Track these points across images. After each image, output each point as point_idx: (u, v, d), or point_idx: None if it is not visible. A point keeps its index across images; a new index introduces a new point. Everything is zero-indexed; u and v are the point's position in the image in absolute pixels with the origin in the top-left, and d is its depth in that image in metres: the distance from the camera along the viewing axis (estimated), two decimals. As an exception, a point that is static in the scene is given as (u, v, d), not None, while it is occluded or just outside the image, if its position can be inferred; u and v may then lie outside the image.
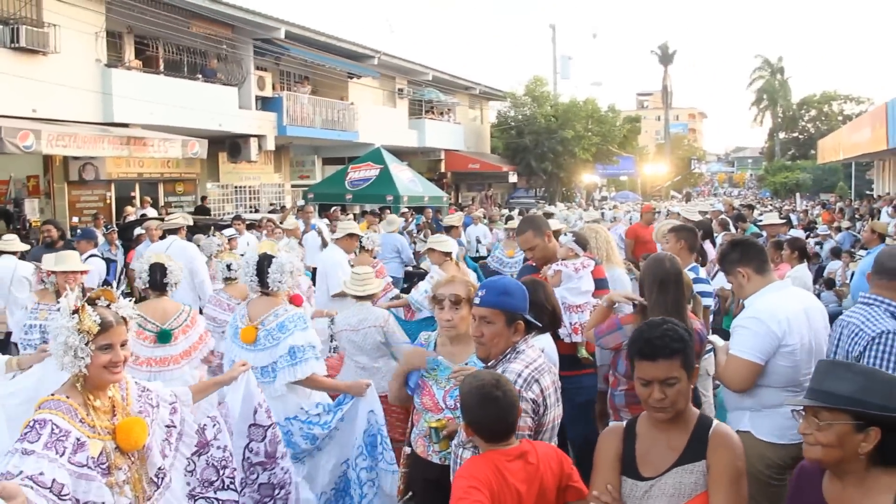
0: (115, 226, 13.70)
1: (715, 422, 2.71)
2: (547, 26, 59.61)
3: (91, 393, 2.82)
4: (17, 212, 15.06)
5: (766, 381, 3.60)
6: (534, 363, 3.09)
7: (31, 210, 15.75)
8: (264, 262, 4.60)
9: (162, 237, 10.64)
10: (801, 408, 2.42)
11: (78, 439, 2.67)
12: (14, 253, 7.83)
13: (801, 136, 66.05)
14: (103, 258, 8.95)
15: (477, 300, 3.20)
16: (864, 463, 2.31)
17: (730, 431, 2.69)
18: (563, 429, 4.76)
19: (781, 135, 66.95)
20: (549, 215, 14.73)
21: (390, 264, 9.99)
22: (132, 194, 19.50)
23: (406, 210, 17.59)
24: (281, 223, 12.01)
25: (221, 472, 3.47)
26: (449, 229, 10.69)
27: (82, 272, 5.99)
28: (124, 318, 2.89)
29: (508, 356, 3.12)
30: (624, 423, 2.84)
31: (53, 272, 5.77)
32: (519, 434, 2.85)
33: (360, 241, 7.99)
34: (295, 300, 5.44)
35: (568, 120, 35.08)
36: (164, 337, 4.75)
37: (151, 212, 17.60)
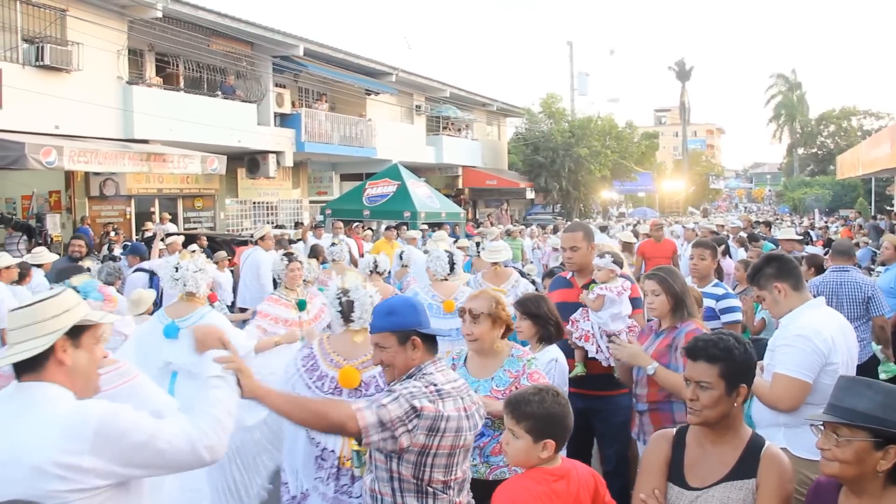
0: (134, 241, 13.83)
1: (767, 442, 2.70)
2: (564, 43, 59.84)
3: None
4: (38, 226, 15.26)
5: (807, 399, 3.50)
6: (434, 386, 2.83)
7: (53, 225, 15.96)
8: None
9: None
10: (821, 422, 2.41)
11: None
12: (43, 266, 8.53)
13: (819, 152, 65.55)
14: (147, 271, 9.28)
15: (368, 328, 3.17)
16: (882, 481, 2.29)
17: (782, 454, 2.68)
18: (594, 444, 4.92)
19: (800, 150, 66.53)
20: (604, 228, 14.71)
21: None
22: (152, 209, 19.65)
23: (425, 226, 17.60)
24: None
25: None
26: None
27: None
28: None
29: (414, 376, 2.91)
30: (675, 429, 2.84)
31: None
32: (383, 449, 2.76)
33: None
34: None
35: (584, 136, 35.04)
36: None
37: (171, 227, 17.76)
